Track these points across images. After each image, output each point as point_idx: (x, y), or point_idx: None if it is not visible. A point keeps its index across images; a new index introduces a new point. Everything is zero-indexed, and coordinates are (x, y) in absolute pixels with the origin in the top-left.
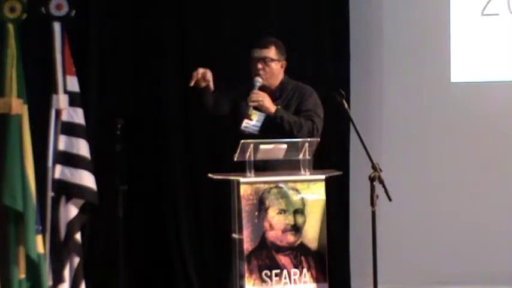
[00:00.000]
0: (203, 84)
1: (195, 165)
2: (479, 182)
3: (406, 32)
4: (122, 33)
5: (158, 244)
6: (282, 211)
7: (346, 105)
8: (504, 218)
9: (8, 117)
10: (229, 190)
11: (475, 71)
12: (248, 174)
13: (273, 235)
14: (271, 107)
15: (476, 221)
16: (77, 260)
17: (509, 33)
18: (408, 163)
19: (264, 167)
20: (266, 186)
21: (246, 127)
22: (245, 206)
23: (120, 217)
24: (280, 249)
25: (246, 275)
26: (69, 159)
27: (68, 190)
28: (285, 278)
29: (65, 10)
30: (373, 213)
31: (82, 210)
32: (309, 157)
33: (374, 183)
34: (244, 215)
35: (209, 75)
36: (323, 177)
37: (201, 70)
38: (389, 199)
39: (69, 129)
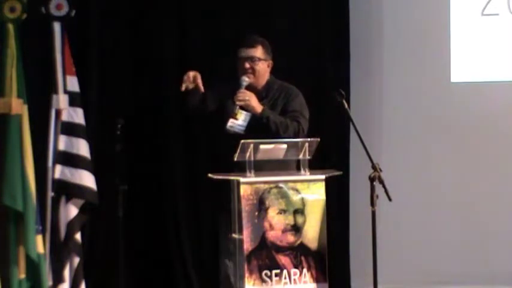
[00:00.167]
0: (191, 86)
1: (195, 165)
2: (479, 182)
3: (406, 32)
4: (122, 33)
5: (158, 244)
6: (282, 211)
7: (346, 105)
8: (504, 218)
9: (8, 117)
10: (229, 190)
11: (475, 71)
12: (248, 174)
13: (273, 235)
14: (258, 107)
15: (476, 221)
16: (77, 260)
17: (509, 33)
18: (408, 163)
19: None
20: (266, 186)
21: (231, 126)
22: (245, 206)
23: (120, 217)
24: (280, 249)
25: (246, 275)
26: (69, 159)
27: (68, 190)
28: (285, 278)
29: (65, 10)
30: (373, 213)
31: (82, 210)
32: (309, 157)
33: (374, 183)
34: (244, 215)
35: (199, 78)
36: (323, 177)
37: (191, 73)
38: (389, 199)
39: (69, 129)
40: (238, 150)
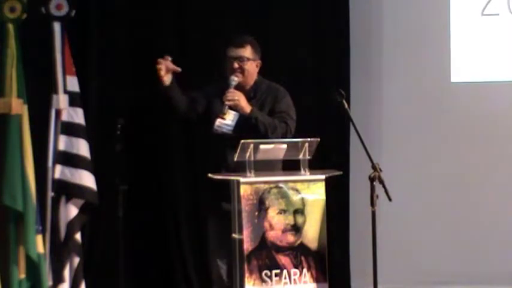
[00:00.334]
0: (166, 82)
1: (195, 165)
2: (480, 182)
3: (406, 32)
4: (122, 33)
5: (158, 244)
6: (282, 211)
7: (346, 105)
8: (504, 218)
9: (8, 117)
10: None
11: (475, 71)
12: (248, 174)
13: (273, 235)
14: (247, 107)
15: (476, 221)
16: (77, 260)
17: (509, 33)
18: (408, 163)
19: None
20: (266, 186)
21: (219, 126)
22: (245, 206)
23: (120, 217)
24: (280, 249)
25: (246, 275)
26: (69, 159)
27: (68, 190)
28: (285, 278)
29: (65, 10)
30: (373, 213)
31: (82, 210)
32: (309, 157)
33: (374, 183)
34: (244, 215)
35: (164, 67)
36: (323, 177)
37: (161, 65)
38: (390, 199)
39: (69, 129)
40: (238, 150)
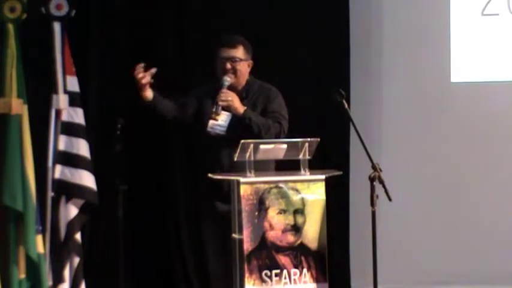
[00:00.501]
0: (150, 96)
1: (195, 165)
2: (479, 182)
3: (406, 32)
4: (122, 33)
5: (158, 244)
6: (282, 211)
7: (346, 105)
8: (504, 218)
9: (8, 117)
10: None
11: (475, 71)
12: (248, 174)
13: (273, 235)
14: (240, 108)
15: (476, 221)
16: (77, 260)
17: (509, 33)
18: (408, 163)
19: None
20: (266, 186)
21: (212, 128)
22: (245, 206)
23: (120, 217)
24: (280, 249)
25: (246, 275)
26: (69, 159)
27: (68, 190)
28: (285, 278)
29: (65, 10)
30: (373, 213)
31: (82, 210)
32: (309, 157)
33: (374, 183)
34: (244, 215)
35: (144, 76)
36: (323, 177)
37: (143, 80)
38: (390, 199)
39: (69, 129)
40: (238, 150)
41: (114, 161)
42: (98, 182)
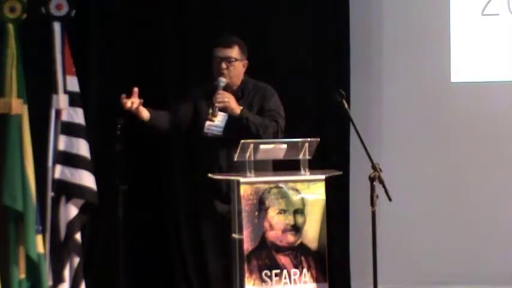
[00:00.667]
0: (146, 116)
1: (194, 165)
2: (479, 182)
3: (406, 32)
4: (122, 33)
5: (158, 244)
6: (282, 211)
7: (346, 105)
8: (504, 218)
9: (8, 117)
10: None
11: (475, 71)
12: (248, 174)
13: (273, 235)
14: (237, 108)
15: (476, 221)
16: (77, 260)
17: (509, 33)
18: (408, 163)
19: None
20: (266, 186)
21: (208, 129)
22: (245, 206)
23: (120, 217)
24: (280, 249)
25: (246, 275)
26: (69, 159)
27: (68, 190)
28: (285, 278)
29: (65, 10)
30: (373, 213)
31: (82, 210)
32: (309, 157)
33: (374, 183)
34: (244, 215)
35: (133, 105)
36: (323, 177)
37: (129, 105)
38: (390, 199)
39: (69, 129)
40: (238, 150)
41: (114, 161)
42: (98, 182)
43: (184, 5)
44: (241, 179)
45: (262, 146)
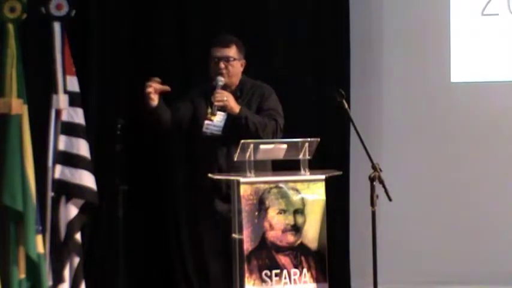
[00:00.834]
0: (153, 104)
1: (194, 165)
2: (479, 182)
3: (406, 32)
4: (122, 33)
5: (158, 244)
6: (282, 211)
7: (346, 105)
8: (504, 218)
9: (8, 117)
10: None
11: (475, 71)
12: (248, 174)
13: (273, 235)
14: (236, 107)
15: (476, 221)
16: (77, 260)
17: (509, 33)
18: (408, 163)
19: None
20: (266, 186)
21: (207, 128)
22: (245, 206)
23: (120, 217)
24: (280, 249)
25: (246, 275)
26: (69, 159)
27: (68, 190)
28: (285, 278)
29: (65, 10)
30: (373, 213)
31: (82, 210)
32: (309, 157)
33: (374, 183)
34: (244, 215)
35: (153, 90)
36: (323, 177)
37: (151, 88)
38: (390, 199)
39: (69, 129)
40: (238, 150)
41: (114, 161)
42: (98, 182)
43: (184, 5)
44: (241, 179)
45: (262, 146)
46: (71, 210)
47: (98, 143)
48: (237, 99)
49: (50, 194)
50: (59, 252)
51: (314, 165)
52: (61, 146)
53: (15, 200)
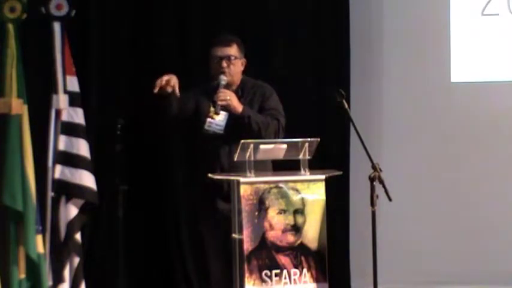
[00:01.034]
0: (169, 90)
1: (195, 164)
2: (479, 182)
3: (406, 32)
4: (122, 33)
5: (158, 244)
6: (282, 211)
7: (346, 105)
8: (504, 218)
9: (8, 117)
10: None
11: (475, 71)
12: (248, 174)
13: (273, 235)
14: (239, 106)
15: (476, 221)
16: (77, 260)
17: (509, 33)
18: (408, 163)
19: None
20: (266, 186)
21: (209, 126)
22: (245, 206)
23: (120, 217)
24: (280, 249)
25: (246, 275)
26: (69, 159)
27: (68, 190)
28: (285, 278)
29: (65, 10)
30: (373, 213)
31: (82, 210)
32: (309, 157)
33: (374, 183)
34: (244, 215)
35: (174, 80)
36: (323, 177)
37: (165, 77)
38: (390, 199)
39: (69, 129)
40: (238, 150)
41: (114, 161)
42: (98, 182)
43: (184, 5)
44: (241, 179)
45: (262, 146)
46: (71, 210)
47: (98, 143)
48: (239, 98)
49: (50, 194)
50: (59, 252)
51: (314, 165)
52: (61, 146)
53: (15, 200)
